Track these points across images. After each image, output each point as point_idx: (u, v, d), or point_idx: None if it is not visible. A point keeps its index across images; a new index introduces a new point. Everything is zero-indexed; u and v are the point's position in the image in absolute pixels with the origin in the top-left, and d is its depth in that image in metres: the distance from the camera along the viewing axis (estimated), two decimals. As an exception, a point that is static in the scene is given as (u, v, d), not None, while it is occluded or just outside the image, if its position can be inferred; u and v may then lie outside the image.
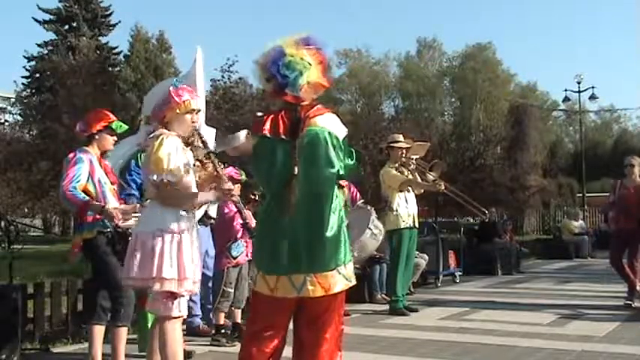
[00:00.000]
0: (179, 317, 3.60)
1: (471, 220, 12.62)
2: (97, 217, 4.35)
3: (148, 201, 3.79)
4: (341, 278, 2.98)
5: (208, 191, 3.80)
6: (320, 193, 2.98)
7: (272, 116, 3.01)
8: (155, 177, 3.47)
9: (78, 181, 4.29)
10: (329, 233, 2.97)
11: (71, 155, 4.46)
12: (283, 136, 2.95)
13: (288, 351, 3.11)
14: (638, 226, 7.58)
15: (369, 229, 6.62)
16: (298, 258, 2.93)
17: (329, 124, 3.01)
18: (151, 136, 3.64)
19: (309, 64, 2.93)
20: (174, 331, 3.56)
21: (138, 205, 4.60)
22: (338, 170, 2.99)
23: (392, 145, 7.52)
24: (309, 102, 3.01)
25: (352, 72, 44.39)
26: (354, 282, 3.05)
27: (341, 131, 3.03)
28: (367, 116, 28.42)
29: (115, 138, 4.64)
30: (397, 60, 45.29)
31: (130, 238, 3.73)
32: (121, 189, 4.83)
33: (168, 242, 3.48)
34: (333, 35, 71.10)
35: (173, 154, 3.52)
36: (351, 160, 3.08)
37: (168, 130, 3.64)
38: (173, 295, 3.51)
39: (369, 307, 7.89)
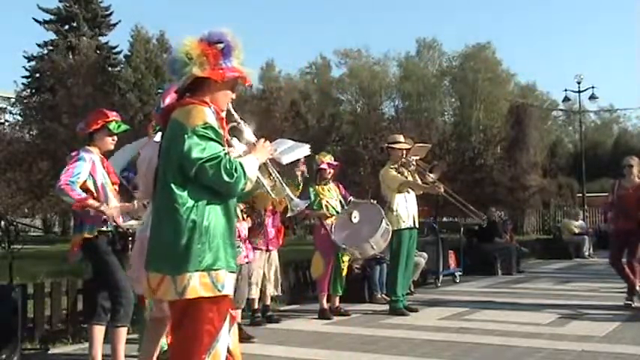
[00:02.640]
0: None
1: (467, 221, 12.58)
2: (97, 217, 4.35)
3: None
4: (170, 287, 2.77)
5: None
6: (161, 188, 2.87)
7: None
8: None
9: (77, 178, 4.31)
10: (159, 236, 2.84)
11: (74, 153, 4.50)
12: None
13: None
14: (637, 227, 7.57)
15: (382, 227, 6.58)
16: (146, 256, 2.97)
17: (183, 115, 2.84)
18: None
19: (189, 57, 2.88)
20: None
21: (137, 203, 4.60)
22: (177, 164, 2.79)
23: (392, 145, 7.51)
24: (194, 95, 2.93)
25: (352, 72, 44.43)
26: (187, 297, 2.75)
27: (196, 122, 2.78)
28: (367, 116, 28.48)
29: (115, 138, 4.63)
30: (397, 60, 45.36)
31: (135, 238, 3.71)
32: (129, 195, 4.82)
33: None
34: (333, 35, 71.30)
35: None
36: (208, 158, 2.75)
37: None
38: None
39: (369, 307, 7.89)
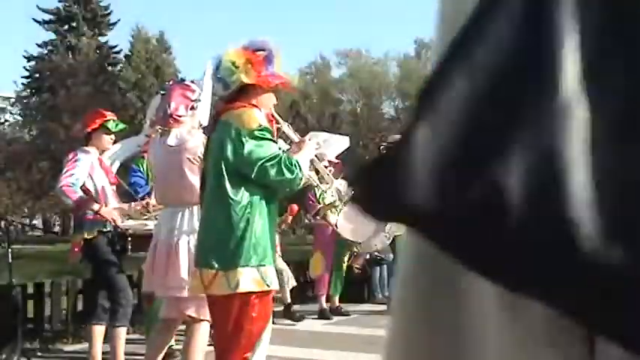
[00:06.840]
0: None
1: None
2: (97, 216, 4.36)
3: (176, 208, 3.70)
4: (223, 282, 2.86)
5: None
6: (214, 187, 2.97)
7: None
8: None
9: (77, 179, 4.30)
10: (212, 232, 2.95)
11: (71, 155, 4.48)
12: (209, 134, 3.18)
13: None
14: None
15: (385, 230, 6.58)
16: (196, 252, 3.12)
17: (237, 119, 2.94)
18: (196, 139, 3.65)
19: (236, 66, 2.97)
20: (207, 332, 3.73)
21: (135, 204, 4.59)
22: (234, 165, 2.88)
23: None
24: (240, 100, 3.02)
25: (352, 72, 44.42)
26: (240, 291, 2.85)
27: (251, 126, 2.90)
28: (367, 116, 28.50)
29: (113, 137, 4.63)
30: (397, 60, 45.38)
31: (157, 243, 3.67)
32: (128, 196, 4.80)
33: None
34: (333, 35, 71.39)
35: None
36: (268, 160, 2.86)
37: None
38: None
39: (369, 307, 7.88)
